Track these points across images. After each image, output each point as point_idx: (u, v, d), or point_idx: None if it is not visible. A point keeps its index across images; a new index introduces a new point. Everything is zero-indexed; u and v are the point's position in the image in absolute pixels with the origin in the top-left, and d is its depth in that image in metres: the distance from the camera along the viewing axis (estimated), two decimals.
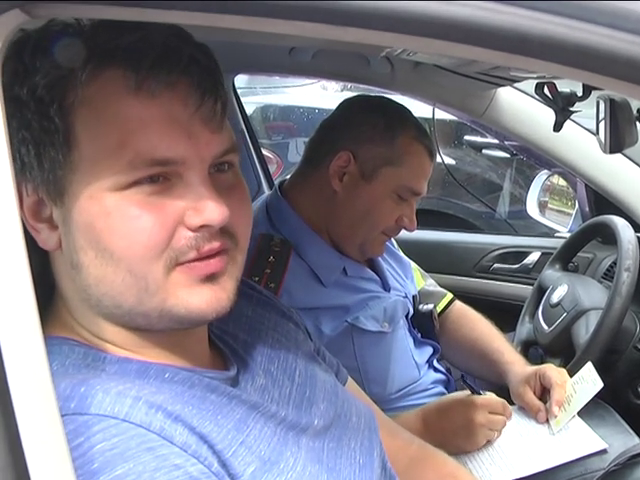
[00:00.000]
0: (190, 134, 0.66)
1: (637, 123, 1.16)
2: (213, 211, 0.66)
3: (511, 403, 1.48)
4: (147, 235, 0.65)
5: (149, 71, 0.64)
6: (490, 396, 1.40)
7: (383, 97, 1.51)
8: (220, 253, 0.70)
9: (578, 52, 0.46)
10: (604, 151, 1.18)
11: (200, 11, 0.49)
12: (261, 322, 0.92)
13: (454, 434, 1.34)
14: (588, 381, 1.37)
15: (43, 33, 0.65)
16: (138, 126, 0.65)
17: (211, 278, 0.69)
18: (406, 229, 1.45)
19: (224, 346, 0.83)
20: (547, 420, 1.41)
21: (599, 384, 1.34)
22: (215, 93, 0.68)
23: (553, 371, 1.45)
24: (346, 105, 1.49)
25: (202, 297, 0.69)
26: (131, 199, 0.65)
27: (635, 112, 1.17)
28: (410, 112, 1.46)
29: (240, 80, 3.85)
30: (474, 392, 1.38)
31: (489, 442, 1.37)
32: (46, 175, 0.66)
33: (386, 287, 1.51)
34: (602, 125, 1.21)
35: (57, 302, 0.74)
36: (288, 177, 1.54)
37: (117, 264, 0.66)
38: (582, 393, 1.37)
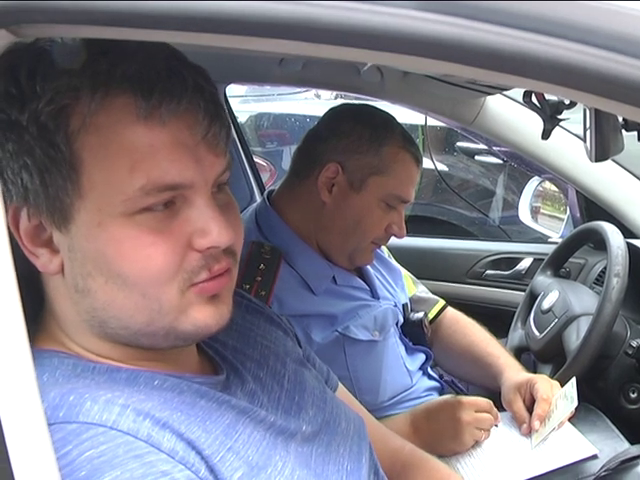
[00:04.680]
0: (197, 158, 0.68)
1: (622, 131, 1.17)
2: (220, 233, 0.68)
3: (502, 409, 1.49)
4: (161, 260, 0.67)
5: (160, 100, 0.65)
6: (476, 397, 1.42)
7: (368, 106, 1.51)
8: (226, 271, 0.72)
9: (549, 67, 0.48)
10: (590, 159, 1.18)
11: (179, 30, 0.50)
12: (250, 329, 0.93)
13: (442, 434, 1.35)
14: (568, 398, 1.37)
15: (37, 55, 0.64)
16: (148, 152, 0.65)
17: (216, 296, 0.72)
18: (396, 236, 1.47)
19: (213, 353, 0.84)
20: (530, 432, 1.41)
21: (575, 402, 1.34)
22: (220, 120, 0.70)
23: (543, 383, 1.44)
24: (331, 115, 1.50)
25: (208, 314, 0.71)
26: (141, 225, 0.66)
27: (621, 120, 1.18)
28: (396, 120, 1.47)
29: (236, 89, 3.88)
30: (459, 393, 1.39)
31: (478, 443, 1.38)
32: (51, 201, 0.66)
33: (375, 296, 1.52)
34: (588, 133, 1.22)
35: (47, 319, 0.74)
36: (276, 187, 1.55)
37: (130, 289, 0.68)
38: (561, 410, 1.37)
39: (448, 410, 1.37)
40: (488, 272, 2.23)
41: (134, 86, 0.64)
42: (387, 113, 1.48)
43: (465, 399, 1.39)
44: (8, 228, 0.57)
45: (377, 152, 1.39)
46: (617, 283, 1.49)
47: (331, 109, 1.52)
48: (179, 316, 0.70)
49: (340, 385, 1.11)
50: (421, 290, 1.78)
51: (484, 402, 1.40)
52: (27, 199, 0.66)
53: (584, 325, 1.55)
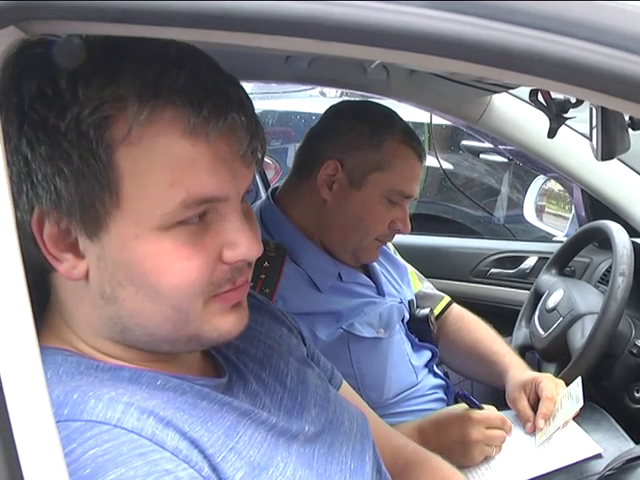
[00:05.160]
0: (233, 172, 0.68)
1: (629, 130, 1.17)
2: (250, 247, 0.70)
3: (507, 408, 1.48)
4: (196, 274, 0.67)
5: (208, 116, 0.64)
6: (489, 410, 1.37)
7: (369, 102, 1.51)
8: (246, 281, 0.74)
9: (561, 66, 0.48)
10: (596, 158, 1.18)
11: (190, 27, 0.50)
12: (254, 327, 0.93)
13: (450, 449, 1.30)
14: (573, 397, 1.37)
15: (76, 59, 0.60)
16: (190, 167, 0.65)
17: (237, 303, 0.73)
18: (400, 232, 1.46)
19: (216, 353, 0.84)
20: (534, 431, 1.41)
21: (580, 402, 1.34)
22: (257, 136, 0.69)
23: (548, 382, 1.44)
24: (331, 113, 1.49)
25: (231, 321, 0.73)
26: (177, 238, 0.66)
27: (627, 119, 1.18)
28: (397, 115, 1.46)
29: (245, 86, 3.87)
30: (472, 407, 1.35)
31: (487, 457, 1.35)
32: (86, 210, 0.65)
33: (380, 292, 1.52)
34: (595, 132, 1.22)
35: (53, 316, 0.74)
36: (280, 185, 1.54)
37: (162, 301, 0.68)
38: (566, 409, 1.36)
39: (457, 426, 1.33)
40: (493, 271, 2.24)
41: (183, 100, 0.63)
42: (389, 109, 1.47)
43: (476, 415, 1.33)
44: (19, 230, 0.56)
45: (378, 148, 1.39)
46: (622, 282, 1.50)
47: (331, 107, 1.51)
48: (202, 325, 0.71)
49: (344, 383, 1.11)
50: (426, 286, 1.78)
51: (496, 418, 1.35)
52: (58, 205, 0.65)
53: (589, 324, 1.55)
